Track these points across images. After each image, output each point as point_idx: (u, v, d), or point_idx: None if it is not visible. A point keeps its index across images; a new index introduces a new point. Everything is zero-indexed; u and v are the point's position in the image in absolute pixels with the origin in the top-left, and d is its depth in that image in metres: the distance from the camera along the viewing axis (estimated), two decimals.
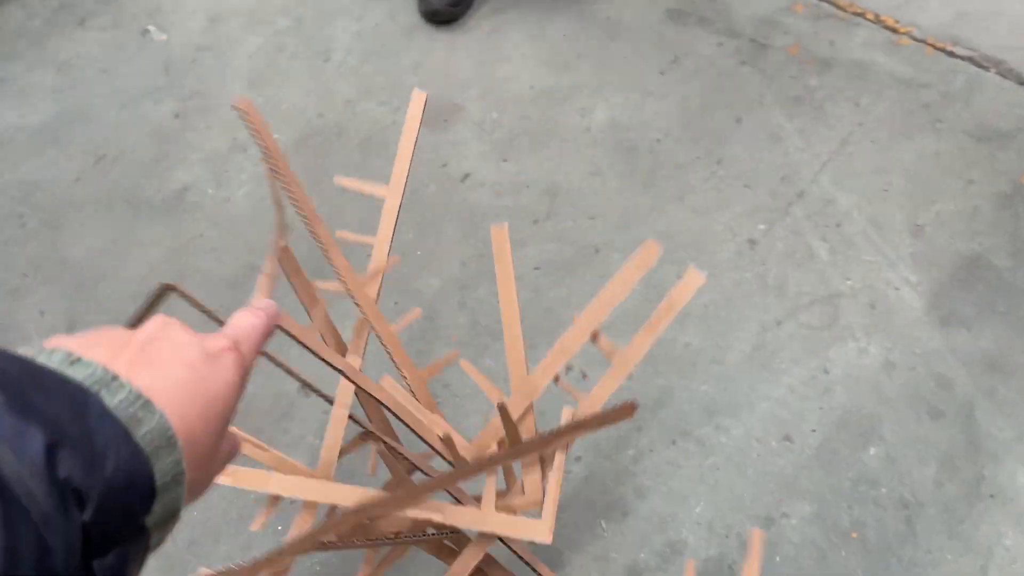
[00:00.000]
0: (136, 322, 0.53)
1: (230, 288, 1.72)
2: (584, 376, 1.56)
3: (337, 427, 0.94)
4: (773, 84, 2.03)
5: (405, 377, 1.01)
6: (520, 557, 1.01)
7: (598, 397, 0.91)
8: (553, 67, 2.11)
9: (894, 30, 2.13)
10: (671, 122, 1.98)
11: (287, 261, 0.90)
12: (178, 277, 1.73)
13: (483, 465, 0.75)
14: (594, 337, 0.91)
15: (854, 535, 1.39)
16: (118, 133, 2.03)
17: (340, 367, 0.83)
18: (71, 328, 1.66)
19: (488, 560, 1.08)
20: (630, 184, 1.87)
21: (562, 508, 1.41)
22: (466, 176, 1.90)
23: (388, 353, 0.98)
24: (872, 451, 1.48)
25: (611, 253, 1.76)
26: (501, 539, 0.94)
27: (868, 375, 1.56)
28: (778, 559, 1.37)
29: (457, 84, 2.08)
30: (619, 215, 1.82)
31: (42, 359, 0.38)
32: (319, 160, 1.94)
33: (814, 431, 1.50)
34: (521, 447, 0.81)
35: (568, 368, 1.58)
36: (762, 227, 1.79)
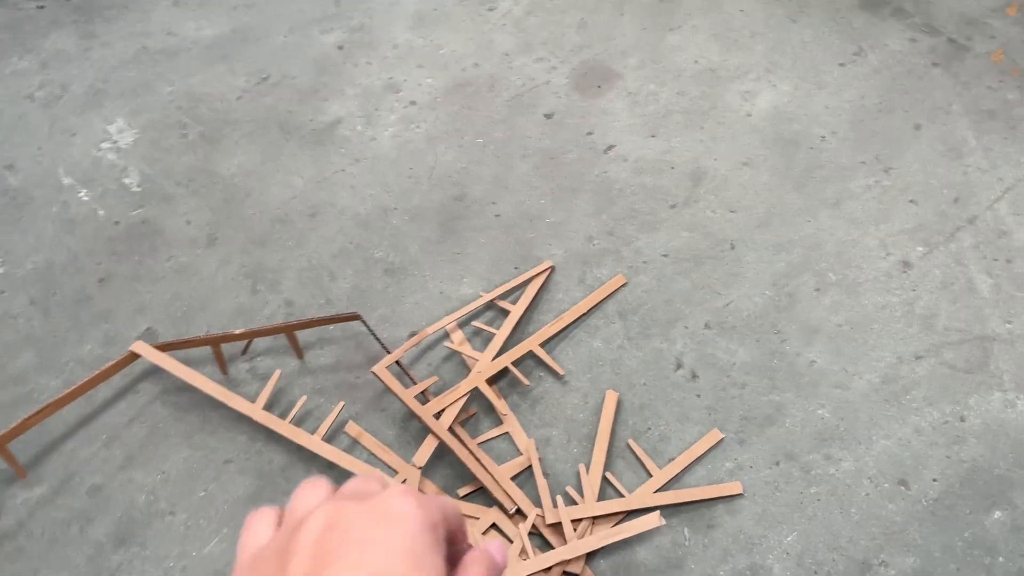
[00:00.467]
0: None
1: (363, 227, 1.75)
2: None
3: None
4: (965, 92, 1.84)
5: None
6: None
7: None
8: (723, 43, 1.99)
9: None
10: (841, 119, 1.83)
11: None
12: (315, 208, 1.78)
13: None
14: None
15: None
16: (283, 57, 2.09)
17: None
18: (211, 240, 1.75)
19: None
20: (783, 180, 1.76)
21: (647, 509, 1.37)
22: (610, 148, 1.84)
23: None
24: (996, 515, 1.34)
25: (746, 252, 1.67)
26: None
27: (1010, 431, 1.41)
28: None
29: (618, 50, 2.01)
30: (763, 212, 1.72)
31: None
32: (466, 110, 1.93)
33: (935, 481, 1.38)
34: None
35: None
36: (921, 249, 1.64)
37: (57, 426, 1.53)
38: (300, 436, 1.43)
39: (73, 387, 1.46)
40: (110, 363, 1.50)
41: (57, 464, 1.48)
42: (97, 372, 1.48)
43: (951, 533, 1.33)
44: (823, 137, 1.82)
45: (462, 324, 1.61)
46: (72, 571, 1.38)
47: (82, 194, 1.83)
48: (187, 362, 1.56)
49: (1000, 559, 1.31)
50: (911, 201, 1.70)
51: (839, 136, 1.81)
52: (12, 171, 1.90)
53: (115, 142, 1.93)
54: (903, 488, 1.38)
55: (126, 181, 1.85)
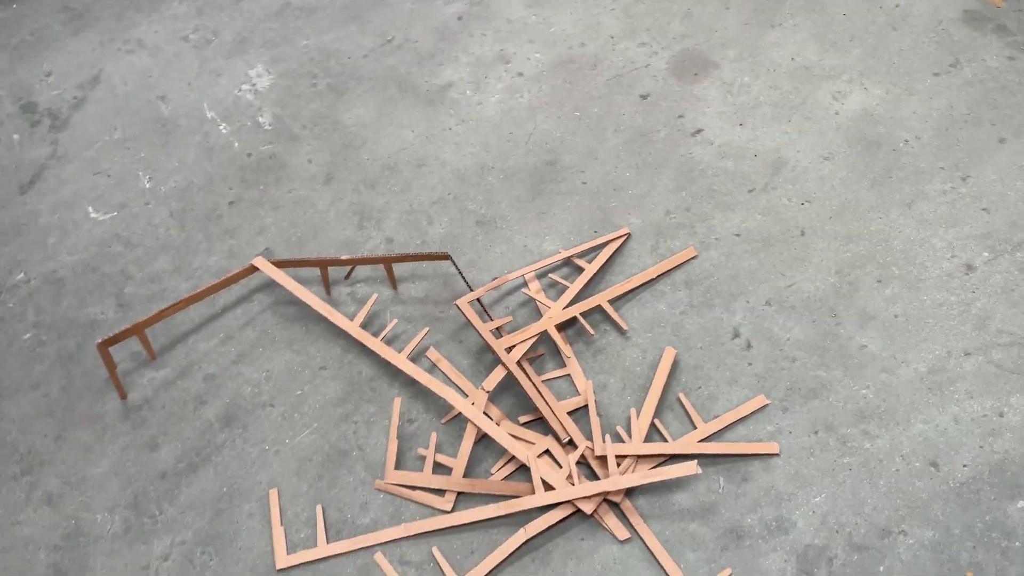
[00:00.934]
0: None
1: (461, 181, 1.93)
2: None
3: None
4: None
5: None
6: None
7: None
8: (822, 43, 2.08)
9: None
10: (927, 126, 1.90)
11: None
12: (421, 160, 1.97)
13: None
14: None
15: (969, 574, 1.36)
16: (407, 23, 2.28)
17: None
18: (328, 178, 1.95)
19: None
20: (860, 177, 1.84)
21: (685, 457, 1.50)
22: (698, 131, 1.96)
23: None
24: (1020, 504, 1.42)
25: (816, 240, 1.76)
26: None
27: None
28: (881, 569, 1.38)
29: (719, 41, 2.12)
30: (837, 205, 1.81)
31: None
32: (568, 85, 2.08)
33: (965, 466, 1.47)
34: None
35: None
36: (986, 255, 1.70)
37: (184, 322, 1.76)
38: (388, 352, 1.62)
39: (201, 289, 1.69)
40: (233, 272, 1.73)
41: (181, 354, 1.72)
42: (221, 279, 1.71)
43: (972, 514, 1.42)
44: (906, 141, 1.89)
45: (540, 276, 1.77)
46: (184, 441, 1.61)
47: (222, 127, 2.07)
48: (297, 281, 1.78)
49: (1017, 544, 1.39)
50: (984, 209, 1.77)
51: (922, 141, 1.88)
52: (164, 102, 2.16)
53: (254, 85, 2.17)
54: (933, 469, 1.47)
55: (260, 120, 2.08)
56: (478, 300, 1.69)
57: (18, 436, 1.64)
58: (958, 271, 1.69)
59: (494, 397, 1.62)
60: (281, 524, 1.50)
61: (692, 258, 1.76)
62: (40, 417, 1.66)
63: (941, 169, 1.84)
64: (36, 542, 1.52)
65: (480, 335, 1.63)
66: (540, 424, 1.58)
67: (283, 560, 1.45)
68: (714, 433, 1.54)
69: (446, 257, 1.70)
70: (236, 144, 2.04)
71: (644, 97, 2.03)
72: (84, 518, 1.53)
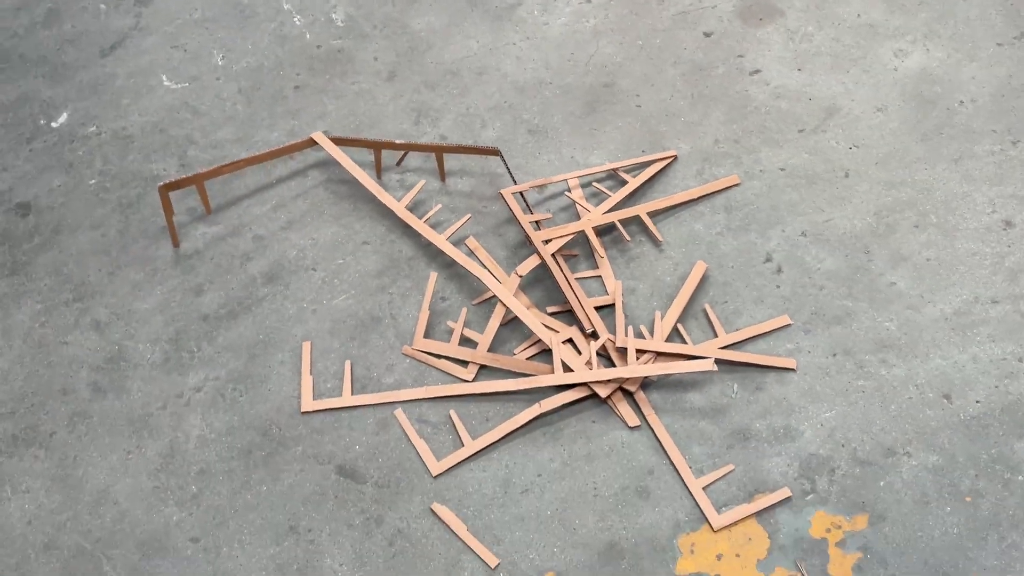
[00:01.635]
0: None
1: (518, 92, 1.98)
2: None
3: None
4: None
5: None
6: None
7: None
8: (889, 4, 2.10)
9: None
10: (984, 91, 1.92)
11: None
12: (483, 69, 2.03)
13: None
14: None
15: (968, 499, 1.39)
16: None
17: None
18: (391, 76, 2.02)
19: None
20: (911, 130, 1.86)
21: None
22: (756, 71, 1.99)
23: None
24: None
25: (859, 182, 1.79)
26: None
27: None
28: (882, 484, 1.41)
29: None
30: (884, 153, 1.83)
31: None
32: (634, 16, 2.11)
33: (978, 402, 1.49)
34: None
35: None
36: None
37: (240, 188, 1.85)
38: (429, 232, 1.68)
39: (261, 152, 1.77)
40: (293, 142, 1.81)
41: (234, 214, 1.80)
42: (281, 147, 1.79)
43: (979, 446, 1.44)
44: (961, 102, 1.91)
45: (584, 185, 1.82)
46: (228, 291, 1.69)
47: (296, 19, 2.15)
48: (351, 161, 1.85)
49: (1020, 477, 1.41)
50: None
51: (977, 104, 1.90)
52: None
53: None
54: (945, 400, 1.50)
55: (333, 16, 2.16)
56: (522, 194, 1.74)
57: (74, 268, 1.73)
58: (996, 225, 1.71)
59: (525, 287, 1.67)
60: (311, 373, 1.57)
61: (735, 185, 1.80)
62: (96, 254, 1.75)
63: (992, 132, 1.85)
64: (80, 361, 1.61)
65: (520, 224, 1.68)
66: (567, 317, 1.64)
67: (308, 404, 1.53)
68: (734, 343, 1.58)
69: (496, 152, 1.76)
70: (308, 35, 2.12)
71: (707, 35, 2.07)
72: (127, 346, 1.62)
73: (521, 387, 1.51)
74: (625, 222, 1.75)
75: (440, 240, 1.67)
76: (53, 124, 1.97)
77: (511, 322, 1.62)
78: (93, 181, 1.87)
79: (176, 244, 1.74)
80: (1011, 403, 1.49)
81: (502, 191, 1.71)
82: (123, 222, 1.80)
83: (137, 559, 1.38)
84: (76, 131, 1.96)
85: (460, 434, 1.49)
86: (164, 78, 2.05)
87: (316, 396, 1.55)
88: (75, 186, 1.86)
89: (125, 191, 1.85)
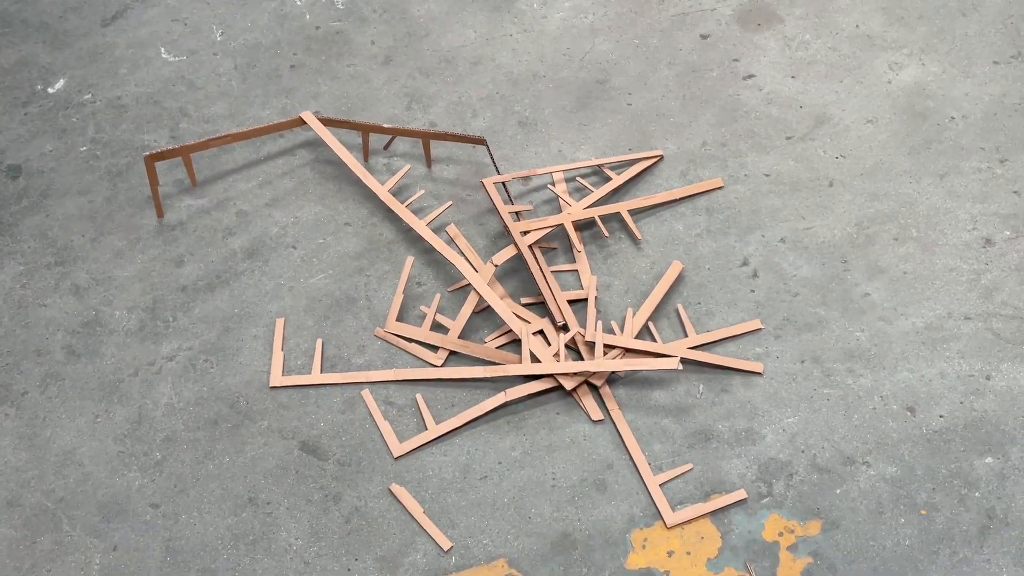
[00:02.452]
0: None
1: (512, 84, 1.99)
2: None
3: None
4: None
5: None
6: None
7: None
8: (888, 16, 2.09)
9: None
10: (975, 108, 1.91)
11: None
12: (478, 59, 2.04)
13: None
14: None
15: (923, 512, 1.40)
16: None
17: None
18: (387, 60, 2.03)
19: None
20: (899, 143, 1.86)
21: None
22: (750, 76, 1.99)
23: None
24: (988, 460, 1.44)
25: (842, 193, 1.79)
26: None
27: None
28: (838, 492, 1.42)
29: None
30: (870, 164, 1.83)
31: None
32: (633, 14, 2.12)
33: (941, 417, 1.49)
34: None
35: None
36: (1007, 233, 1.72)
37: (227, 162, 1.86)
38: (410, 217, 1.70)
39: (249, 128, 1.79)
40: (282, 120, 1.82)
41: (219, 188, 1.82)
42: (270, 124, 1.81)
43: (938, 460, 1.45)
44: (952, 118, 1.90)
45: (568, 179, 1.83)
46: (208, 264, 1.71)
47: (298, 0, 2.17)
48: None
49: (976, 494, 1.41)
50: (1015, 192, 1.78)
51: (968, 121, 1.89)
52: None
53: None
54: (909, 414, 1.50)
55: None
56: (504, 185, 1.75)
57: (58, 232, 1.75)
58: (976, 243, 1.71)
59: (502, 277, 1.68)
60: (282, 349, 1.59)
61: (718, 188, 1.80)
62: (82, 219, 1.77)
63: (981, 149, 1.85)
64: (56, 324, 1.63)
65: (499, 214, 1.69)
66: (539, 308, 1.65)
67: (277, 379, 1.54)
68: (704, 344, 1.59)
69: (482, 141, 1.77)
70: (308, 16, 2.13)
71: (704, 37, 2.07)
72: (104, 311, 1.64)
73: (488, 375, 1.52)
74: (605, 218, 1.76)
75: (420, 225, 1.68)
76: (50, 90, 1.99)
77: (484, 311, 1.63)
78: (84, 148, 1.89)
79: (160, 215, 1.76)
80: (975, 420, 1.49)
81: (484, 180, 1.72)
82: (110, 190, 1.82)
83: (97, 521, 1.40)
84: (72, 98, 1.98)
85: (424, 418, 1.50)
86: (162, 50, 2.07)
87: (286, 372, 1.56)
88: (66, 152, 1.88)
89: (115, 160, 1.86)
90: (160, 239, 1.74)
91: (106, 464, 1.46)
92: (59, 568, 1.36)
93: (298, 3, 2.16)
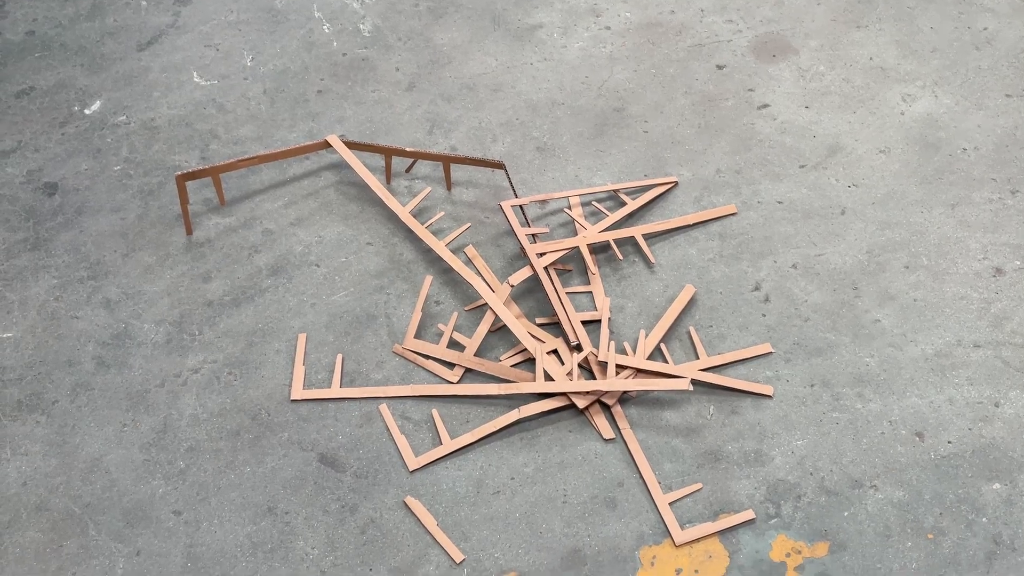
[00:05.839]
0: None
1: (531, 110, 2.05)
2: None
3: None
4: None
5: None
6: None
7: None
8: (903, 50, 2.13)
9: None
10: (988, 140, 1.94)
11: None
12: (498, 86, 2.10)
13: None
14: None
15: (930, 536, 1.41)
16: None
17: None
18: (410, 86, 2.10)
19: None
20: (911, 173, 1.89)
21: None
22: (764, 106, 2.04)
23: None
24: (996, 486, 1.46)
25: (854, 220, 1.82)
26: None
27: None
28: (846, 514, 1.44)
29: (803, 31, 2.19)
30: (883, 194, 1.86)
31: None
32: (650, 45, 2.18)
33: (950, 443, 1.51)
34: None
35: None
36: (1018, 263, 1.74)
37: (255, 183, 1.93)
38: (429, 238, 1.75)
39: (276, 151, 1.85)
40: (308, 143, 1.88)
41: (247, 207, 1.88)
42: (296, 146, 1.87)
43: (946, 485, 1.46)
44: (964, 149, 1.93)
45: (584, 204, 1.87)
46: (234, 280, 1.76)
47: (325, 27, 2.24)
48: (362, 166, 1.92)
49: (983, 519, 1.43)
50: None
51: (980, 153, 1.92)
52: None
53: None
54: (917, 439, 1.52)
55: (360, 27, 2.24)
56: (521, 208, 1.80)
57: (91, 248, 1.82)
58: (986, 272, 1.73)
59: (518, 298, 1.73)
60: (303, 364, 1.63)
61: (731, 214, 1.84)
62: (114, 236, 1.83)
63: (992, 180, 1.88)
64: (88, 335, 1.69)
65: (516, 236, 1.74)
66: (554, 329, 1.68)
67: (298, 393, 1.59)
68: (715, 366, 1.62)
69: (500, 166, 1.82)
70: (335, 43, 2.20)
71: (720, 68, 2.12)
72: (133, 324, 1.70)
73: (503, 392, 1.56)
74: (620, 242, 1.80)
75: (439, 246, 1.73)
76: (86, 111, 2.07)
77: (500, 330, 1.67)
78: (118, 167, 1.96)
79: (189, 232, 1.82)
80: (983, 446, 1.51)
81: (502, 203, 1.77)
82: (142, 208, 1.88)
83: (121, 526, 1.45)
84: (107, 119, 2.05)
85: (440, 432, 1.54)
86: (195, 75, 2.14)
87: (306, 386, 1.61)
88: (101, 171, 1.95)
89: (147, 179, 1.93)
90: (188, 256, 1.80)
91: (132, 471, 1.51)
92: (84, 571, 1.40)
93: (326, 30, 2.23)
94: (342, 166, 1.95)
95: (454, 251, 1.79)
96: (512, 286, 1.67)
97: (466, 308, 1.71)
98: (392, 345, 1.66)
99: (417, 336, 1.67)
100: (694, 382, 1.58)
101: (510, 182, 1.82)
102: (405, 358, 1.64)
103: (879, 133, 1.97)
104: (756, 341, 1.65)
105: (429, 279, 1.71)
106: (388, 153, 1.87)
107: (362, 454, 1.53)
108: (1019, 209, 1.82)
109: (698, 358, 1.62)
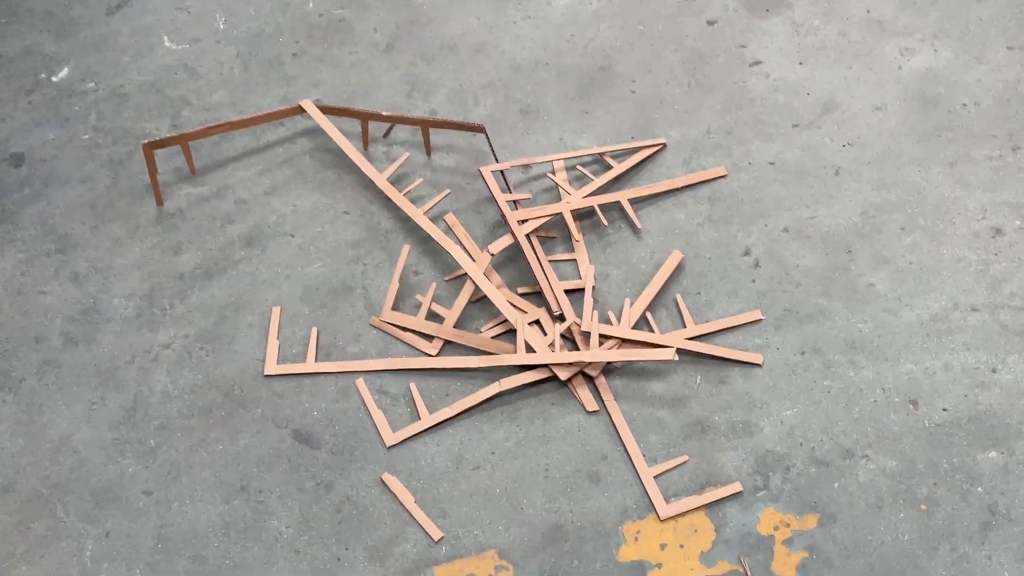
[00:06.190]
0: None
1: (514, 71, 1.97)
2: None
3: None
4: None
5: None
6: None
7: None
8: (900, 1, 2.05)
9: None
10: (988, 94, 1.87)
11: None
12: (480, 46, 2.02)
13: None
14: None
15: (923, 507, 1.37)
16: None
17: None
18: (389, 48, 2.02)
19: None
20: (908, 130, 1.82)
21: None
22: (756, 63, 1.96)
23: None
24: (992, 454, 1.41)
25: (848, 180, 1.76)
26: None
27: None
28: (836, 485, 1.39)
29: None
30: (879, 152, 1.79)
31: None
32: (638, 1, 2.09)
33: (945, 410, 1.46)
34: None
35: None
36: (1018, 223, 1.68)
37: (227, 150, 1.86)
38: (408, 206, 1.68)
39: (248, 116, 1.78)
40: (281, 108, 1.82)
41: (219, 176, 1.82)
42: (268, 112, 1.80)
43: (940, 454, 1.42)
44: (964, 105, 1.86)
45: (569, 168, 1.81)
46: (206, 252, 1.71)
47: None
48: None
49: (979, 489, 1.38)
50: None
51: (980, 108, 1.85)
52: None
53: None
54: (911, 407, 1.47)
55: None
56: (502, 173, 1.74)
57: (59, 220, 1.76)
58: (985, 232, 1.67)
59: (500, 267, 1.67)
60: (277, 338, 1.58)
61: (721, 176, 1.78)
62: (82, 207, 1.78)
63: (993, 137, 1.81)
64: (55, 311, 1.64)
65: (496, 202, 1.68)
66: (536, 299, 1.63)
67: (272, 368, 1.54)
68: (703, 335, 1.56)
69: (480, 129, 1.75)
70: (310, 4, 2.12)
71: (711, 23, 2.04)
72: (102, 299, 1.65)
73: (483, 364, 1.51)
74: (606, 207, 1.73)
75: (417, 214, 1.67)
76: (53, 78, 2.00)
77: (480, 300, 1.62)
78: (86, 136, 1.89)
79: (159, 203, 1.76)
80: (979, 413, 1.46)
81: (481, 168, 1.70)
82: (111, 178, 1.82)
83: (90, 507, 1.41)
84: (75, 86, 1.98)
85: (418, 407, 1.49)
86: (165, 39, 2.07)
87: (281, 361, 1.56)
88: (68, 140, 1.88)
89: (116, 148, 1.87)
90: (159, 227, 1.74)
91: (101, 451, 1.47)
92: (52, 553, 1.37)
93: None
94: (317, 132, 1.88)
95: (433, 219, 1.73)
96: (492, 255, 1.61)
97: (446, 278, 1.65)
98: (369, 317, 1.61)
99: (395, 308, 1.61)
100: (681, 351, 1.52)
101: (491, 146, 1.75)
102: (382, 330, 1.59)
103: (876, 89, 1.90)
104: (745, 308, 1.60)
105: (407, 248, 1.65)
106: (364, 118, 1.80)
107: (338, 430, 1.48)
108: (1020, 167, 1.75)
109: (685, 327, 1.57)
